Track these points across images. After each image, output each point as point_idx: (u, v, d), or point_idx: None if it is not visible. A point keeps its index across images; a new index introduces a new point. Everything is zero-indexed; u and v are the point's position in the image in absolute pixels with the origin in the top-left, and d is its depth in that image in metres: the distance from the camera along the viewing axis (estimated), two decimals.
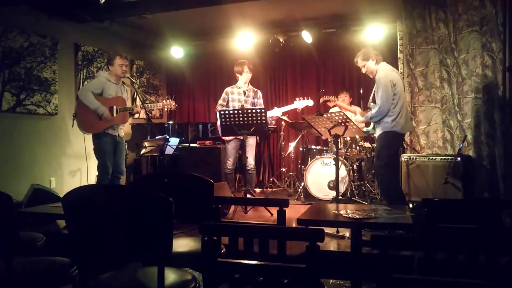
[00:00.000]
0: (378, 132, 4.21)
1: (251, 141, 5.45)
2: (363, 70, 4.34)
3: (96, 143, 4.69)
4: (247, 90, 5.56)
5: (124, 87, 4.90)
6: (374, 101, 4.26)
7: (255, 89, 5.67)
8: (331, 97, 5.58)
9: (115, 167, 4.75)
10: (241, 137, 5.19)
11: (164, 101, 5.11)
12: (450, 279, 1.49)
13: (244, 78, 5.51)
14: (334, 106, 6.11)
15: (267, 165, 7.62)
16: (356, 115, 4.65)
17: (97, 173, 4.78)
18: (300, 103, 5.60)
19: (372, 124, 4.44)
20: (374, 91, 4.27)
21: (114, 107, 4.66)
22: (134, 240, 1.74)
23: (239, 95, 5.54)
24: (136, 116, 5.06)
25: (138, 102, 4.85)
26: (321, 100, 5.44)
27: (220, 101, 5.59)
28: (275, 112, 5.65)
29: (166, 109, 5.13)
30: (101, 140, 4.65)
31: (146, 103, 4.92)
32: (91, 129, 4.65)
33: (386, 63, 4.27)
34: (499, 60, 4.76)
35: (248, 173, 5.38)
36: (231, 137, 5.42)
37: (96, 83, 4.68)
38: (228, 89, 5.60)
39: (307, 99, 5.61)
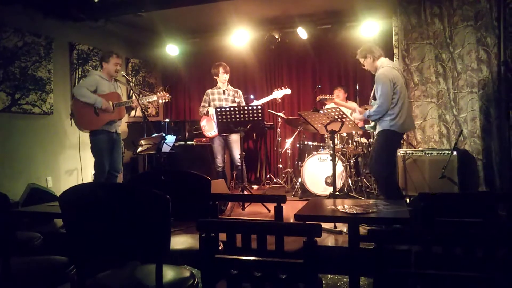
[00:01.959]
0: (377, 130, 4.16)
1: (235, 137, 5.43)
2: (365, 67, 4.32)
3: (93, 140, 4.66)
4: (226, 90, 5.64)
5: (117, 84, 4.90)
6: (374, 98, 4.20)
7: (235, 89, 5.76)
8: (328, 95, 5.57)
9: (112, 164, 4.73)
10: (224, 134, 5.32)
11: (158, 93, 5.06)
12: (447, 273, 1.50)
13: (221, 79, 5.60)
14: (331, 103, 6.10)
15: (264, 162, 7.62)
16: (355, 113, 4.57)
17: (93, 172, 4.76)
18: (278, 93, 5.69)
19: (372, 122, 4.37)
20: (375, 89, 4.20)
21: (110, 102, 4.64)
22: (132, 238, 1.74)
23: (219, 94, 5.63)
24: (133, 113, 5.04)
25: (134, 99, 4.86)
26: (317, 99, 5.44)
27: (202, 103, 5.70)
28: (256, 103, 5.67)
29: (161, 101, 5.06)
30: (98, 137, 4.63)
31: (142, 97, 4.92)
32: (89, 126, 4.62)
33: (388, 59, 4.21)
34: (494, 55, 4.78)
35: (238, 169, 5.40)
36: (214, 135, 5.47)
37: (90, 81, 4.65)
38: (208, 91, 5.69)
39: (285, 88, 5.70)
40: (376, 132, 4.20)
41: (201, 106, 5.71)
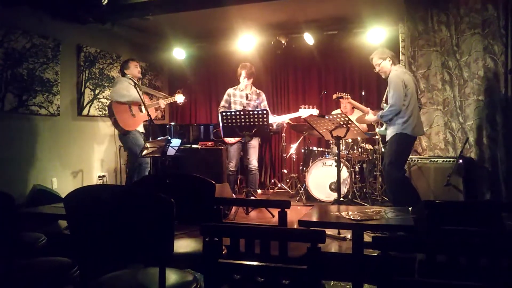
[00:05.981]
0: (389, 134, 4.19)
1: (254, 143, 5.44)
2: (376, 69, 4.34)
3: (130, 137, 5.11)
4: (249, 94, 5.52)
5: None
6: (387, 102, 4.24)
7: (258, 91, 5.62)
8: (344, 94, 5.60)
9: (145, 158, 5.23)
10: (243, 140, 5.23)
11: (176, 95, 5.63)
12: (451, 282, 1.49)
13: (243, 82, 5.49)
14: (347, 103, 6.01)
15: (269, 167, 7.62)
16: (368, 114, 4.66)
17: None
18: (305, 112, 5.44)
19: (384, 126, 4.39)
20: (387, 92, 4.26)
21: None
22: (136, 241, 1.74)
23: (241, 98, 5.52)
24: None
25: (160, 101, 5.49)
26: (334, 96, 5.39)
27: (222, 103, 5.58)
28: (281, 119, 5.65)
29: (179, 102, 5.64)
30: (136, 135, 5.14)
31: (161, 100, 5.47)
32: (130, 127, 5.10)
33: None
34: (501, 63, 4.75)
35: (251, 174, 5.38)
36: (234, 140, 5.42)
37: (123, 86, 5.10)
38: (230, 91, 5.58)
39: (313, 107, 5.47)
40: (388, 137, 4.23)
41: (220, 106, 5.57)
